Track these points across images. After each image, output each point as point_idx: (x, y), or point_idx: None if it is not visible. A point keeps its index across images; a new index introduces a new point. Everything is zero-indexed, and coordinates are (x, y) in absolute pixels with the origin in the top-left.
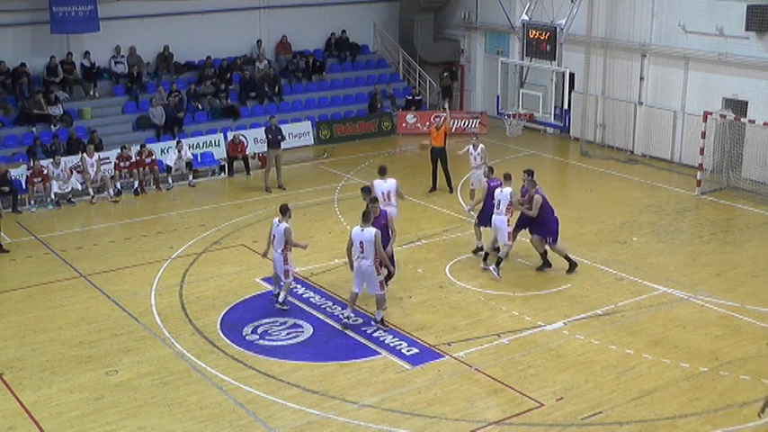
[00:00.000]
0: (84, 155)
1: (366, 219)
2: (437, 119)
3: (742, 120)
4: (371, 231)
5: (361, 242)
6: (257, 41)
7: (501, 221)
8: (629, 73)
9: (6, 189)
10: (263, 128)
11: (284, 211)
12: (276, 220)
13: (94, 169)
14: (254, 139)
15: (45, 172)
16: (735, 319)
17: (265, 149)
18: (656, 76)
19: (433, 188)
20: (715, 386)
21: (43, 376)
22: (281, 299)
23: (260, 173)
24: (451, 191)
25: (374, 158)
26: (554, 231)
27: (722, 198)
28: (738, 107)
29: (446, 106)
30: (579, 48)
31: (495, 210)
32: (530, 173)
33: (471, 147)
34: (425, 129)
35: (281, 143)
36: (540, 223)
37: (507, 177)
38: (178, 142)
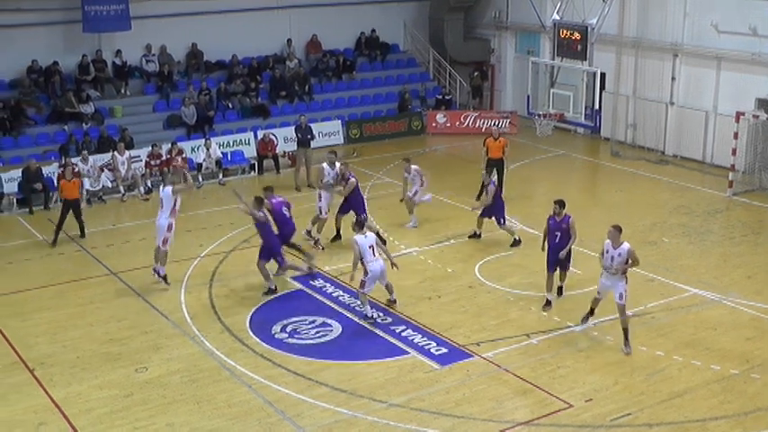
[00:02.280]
0: (116, 153)
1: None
2: (495, 128)
3: None
4: (169, 189)
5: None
6: (287, 40)
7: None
8: (661, 73)
9: (39, 186)
10: (293, 127)
11: (618, 229)
12: (608, 243)
13: (125, 167)
14: (284, 138)
15: (76, 169)
16: (766, 322)
17: (295, 148)
18: (687, 76)
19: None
20: (746, 389)
21: (74, 372)
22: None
23: (290, 171)
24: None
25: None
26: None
27: (754, 199)
28: None
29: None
30: (610, 47)
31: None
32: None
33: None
34: (460, 126)
35: (311, 142)
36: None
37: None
38: (207, 140)
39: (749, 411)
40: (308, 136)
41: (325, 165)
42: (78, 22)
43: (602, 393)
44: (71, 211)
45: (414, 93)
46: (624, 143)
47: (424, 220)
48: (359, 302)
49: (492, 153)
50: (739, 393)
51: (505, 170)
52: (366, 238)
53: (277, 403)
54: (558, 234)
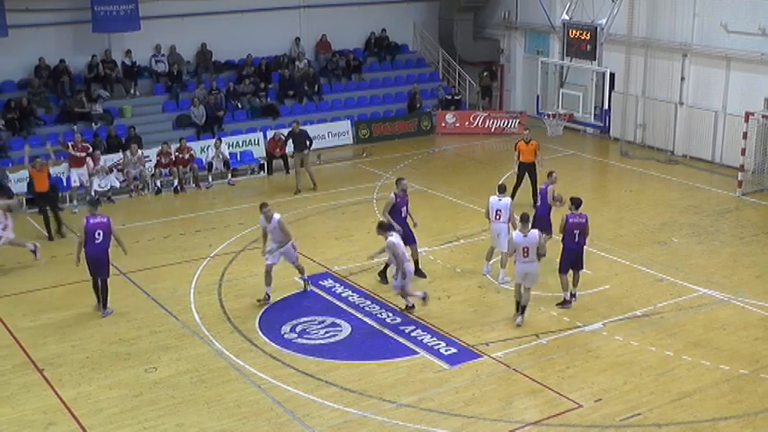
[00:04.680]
0: (127, 152)
1: None
2: (527, 132)
3: None
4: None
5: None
6: (296, 39)
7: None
8: (670, 73)
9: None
10: (288, 130)
11: (527, 219)
12: (519, 234)
13: (136, 168)
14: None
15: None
16: None
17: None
18: (697, 76)
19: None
20: (755, 389)
21: (83, 373)
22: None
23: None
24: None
25: (413, 158)
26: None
27: (763, 199)
28: None
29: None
30: (620, 47)
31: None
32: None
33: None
34: (468, 125)
35: (309, 146)
36: None
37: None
38: (217, 140)
39: (759, 411)
40: (305, 141)
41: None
42: (88, 22)
43: (611, 393)
44: None
45: (425, 93)
46: (633, 143)
47: (432, 220)
48: (368, 302)
49: (524, 157)
50: (749, 393)
51: (537, 175)
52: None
53: (286, 403)
54: (578, 231)
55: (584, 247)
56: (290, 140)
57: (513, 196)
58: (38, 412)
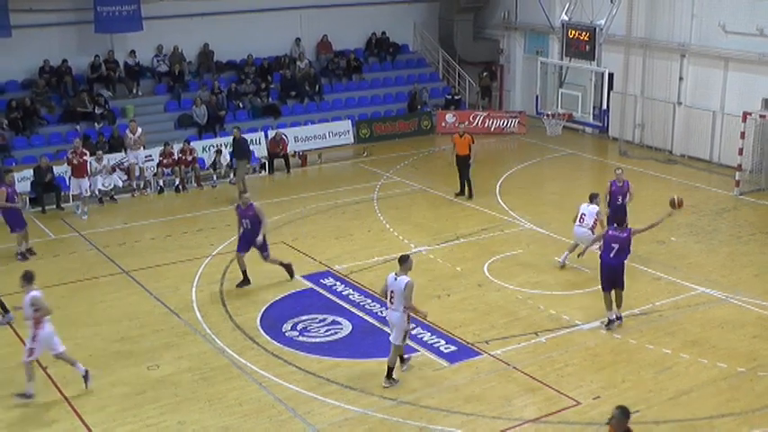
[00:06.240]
0: (127, 131)
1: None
2: (462, 126)
3: None
4: None
5: None
6: (296, 39)
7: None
8: (669, 73)
9: (49, 178)
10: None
11: (404, 260)
12: (392, 274)
13: (136, 150)
14: (295, 138)
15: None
16: None
17: (306, 148)
18: (695, 76)
19: (461, 193)
20: (753, 387)
21: None
22: (404, 368)
23: (300, 171)
24: (471, 197)
25: (413, 157)
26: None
27: (761, 199)
28: None
29: None
30: (618, 48)
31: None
32: None
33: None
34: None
35: (249, 156)
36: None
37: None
38: (219, 152)
39: (756, 409)
40: (247, 150)
41: None
42: (90, 22)
43: (609, 391)
44: None
45: (421, 93)
46: (632, 143)
47: (432, 220)
48: (369, 301)
49: (457, 150)
50: (746, 391)
51: (471, 167)
52: None
53: (288, 401)
54: (616, 246)
55: (625, 263)
56: (233, 148)
57: (461, 188)
58: (41, 410)
